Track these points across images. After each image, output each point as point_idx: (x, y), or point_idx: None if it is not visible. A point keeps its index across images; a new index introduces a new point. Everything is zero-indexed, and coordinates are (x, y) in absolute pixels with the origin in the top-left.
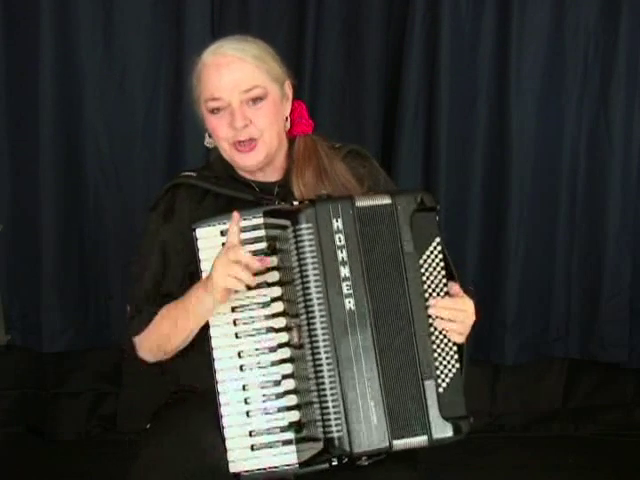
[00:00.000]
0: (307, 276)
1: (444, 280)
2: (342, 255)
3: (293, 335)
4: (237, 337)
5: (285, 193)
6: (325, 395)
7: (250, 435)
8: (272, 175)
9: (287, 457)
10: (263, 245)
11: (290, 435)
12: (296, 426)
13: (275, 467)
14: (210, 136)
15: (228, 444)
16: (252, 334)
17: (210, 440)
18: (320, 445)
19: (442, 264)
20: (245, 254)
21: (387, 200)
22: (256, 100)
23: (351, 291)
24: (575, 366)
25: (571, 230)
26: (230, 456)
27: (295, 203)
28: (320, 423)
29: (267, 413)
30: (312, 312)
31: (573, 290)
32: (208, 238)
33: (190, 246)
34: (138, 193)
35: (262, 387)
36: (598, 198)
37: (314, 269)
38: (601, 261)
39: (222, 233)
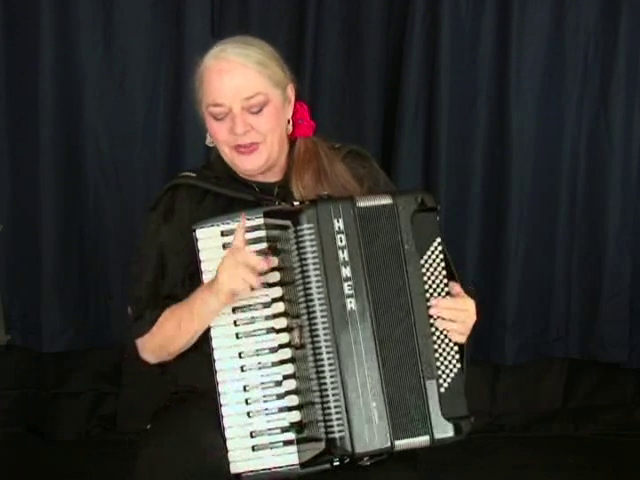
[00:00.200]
0: (308, 276)
1: (445, 280)
2: (343, 255)
3: (294, 335)
4: (238, 337)
5: (285, 193)
6: (327, 395)
7: (251, 436)
8: (272, 176)
9: (288, 458)
10: (264, 246)
11: (291, 435)
12: (297, 426)
13: (276, 468)
14: (211, 135)
15: (229, 445)
16: (253, 335)
17: (210, 440)
18: (322, 445)
19: (443, 264)
20: (251, 255)
21: (388, 200)
22: (257, 107)
23: (352, 291)
24: (575, 366)
25: (571, 230)
26: (231, 457)
27: (296, 203)
28: (322, 423)
29: (268, 414)
30: (313, 312)
31: (573, 290)
32: (208, 239)
33: (190, 246)
34: (138, 193)
35: (263, 388)
36: (598, 198)
37: (315, 269)
38: (601, 261)
39: (222, 233)
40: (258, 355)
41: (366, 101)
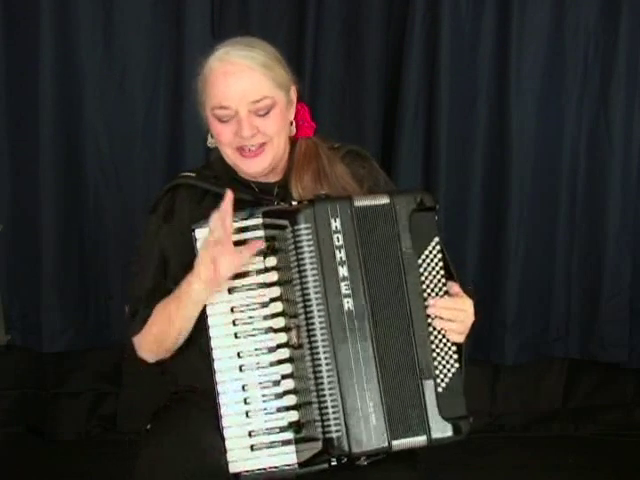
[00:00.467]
0: (306, 276)
1: (443, 280)
2: (340, 255)
3: (292, 335)
4: (236, 337)
5: (285, 193)
6: (324, 395)
7: (250, 435)
8: (272, 176)
9: (286, 457)
10: (262, 245)
11: (289, 435)
12: (295, 426)
13: (274, 467)
14: (212, 137)
15: (228, 444)
16: (251, 334)
17: (210, 440)
18: (319, 445)
19: (441, 264)
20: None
21: (386, 200)
22: (264, 110)
23: (350, 291)
24: (575, 366)
25: (571, 230)
26: (230, 456)
27: (294, 203)
28: (319, 423)
29: (267, 413)
30: (311, 312)
31: (573, 290)
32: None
33: (190, 246)
34: (138, 193)
35: (261, 387)
36: (598, 198)
37: (313, 269)
38: (601, 261)
39: None
40: (256, 355)
41: (366, 101)
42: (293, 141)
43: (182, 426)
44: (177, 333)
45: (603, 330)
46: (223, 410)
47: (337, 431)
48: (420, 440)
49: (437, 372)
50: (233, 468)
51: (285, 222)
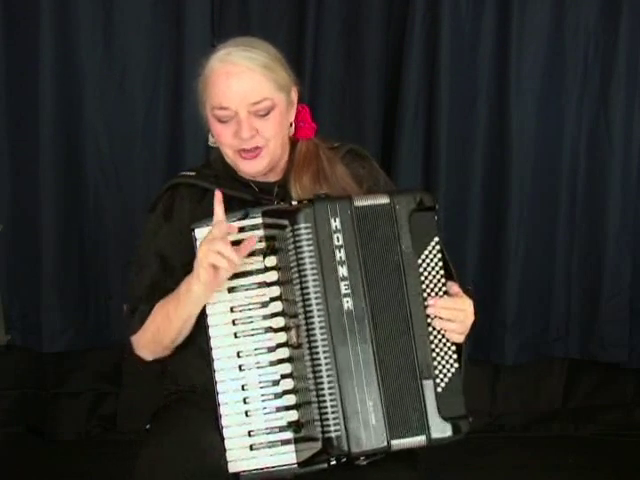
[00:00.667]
0: (305, 276)
1: (443, 280)
2: (340, 255)
3: (292, 335)
4: (236, 337)
5: (284, 193)
6: (323, 395)
7: (249, 435)
8: (272, 176)
9: (286, 457)
10: (262, 245)
11: (289, 435)
12: (295, 426)
13: (274, 467)
14: (213, 136)
15: (227, 444)
16: (251, 334)
17: (210, 440)
18: (319, 445)
19: (441, 264)
20: (226, 226)
21: (385, 200)
22: (264, 111)
23: (349, 291)
24: (575, 366)
25: (571, 230)
26: (229, 456)
27: (294, 203)
28: (318, 423)
29: (266, 413)
30: (310, 312)
31: (573, 290)
32: None
33: (190, 245)
34: (138, 193)
35: (261, 387)
36: (598, 198)
37: (312, 269)
38: (601, 261)
39: None
40: (256, 354)
41: (366, 101)
42: (294, 141)
43: (182, 426)
44: (176, 332)
45: (603, 330)
46: (223, 409)
47: (336, 431)
48: (419, 440)
49: (437, 372)
50: (232, 467)
51: (285, 222)
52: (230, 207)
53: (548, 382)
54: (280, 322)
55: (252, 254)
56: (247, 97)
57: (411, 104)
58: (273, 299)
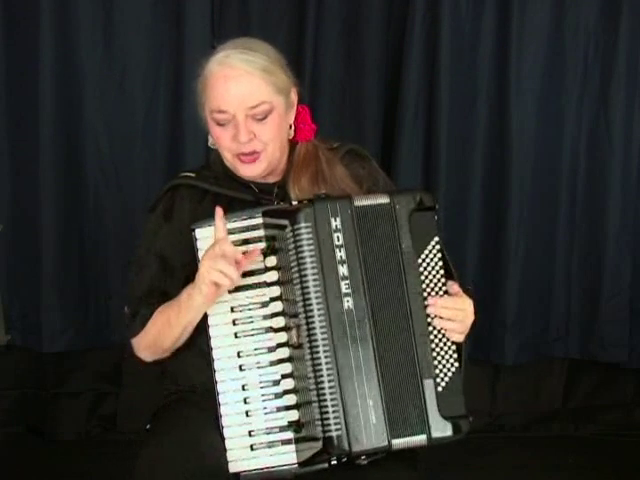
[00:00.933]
0: (306, 275)
1: (443, 279)
2: (340, 254)
3: (292, 335)
4: (236, 337)
5: (284, 194)
6: (324, 394)
7: (250, 435)
8: (272, 177)
9: (286, 457)
10: (262, 245)
11: (289, 435)
12: (295, 425)
13: (274, 467)
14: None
15: (228, 444)
16: (251, 334)
17: (210, 440)
18: (319, 445)
19: (441, 263)
20: (229, 246)
21: (385, 199)
22: (262, 115)
23: (349, 290)
24: (575, 366)
25: (571, 230)
26: (230, 456)
27: (294, 203)
28: (319, 422)
29: (266, 413)
30: (311, 311)
31: (573, 290)
32: (208, 238)
33: (190, 246)
34: (138, 193)
35: (261, 387)
36: (598, 198)
37: (313, 268)
38: (601, 261)
39: None
40: (256, 354)
41: (366, 101)
42: (293, 142)
43: (182, 426)
44: (176, 337)
45: (603, 330)
46: (223, 409)
47: (337, 430)
48: (420, 439)
49: (437, 371)
50: (233, 467)
51: (285, 222)
52: (230, 208)
53: (548, 382)
54: (280, 322)
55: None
56: (245, 101)
57: (411, 104)
58: (273, 299)
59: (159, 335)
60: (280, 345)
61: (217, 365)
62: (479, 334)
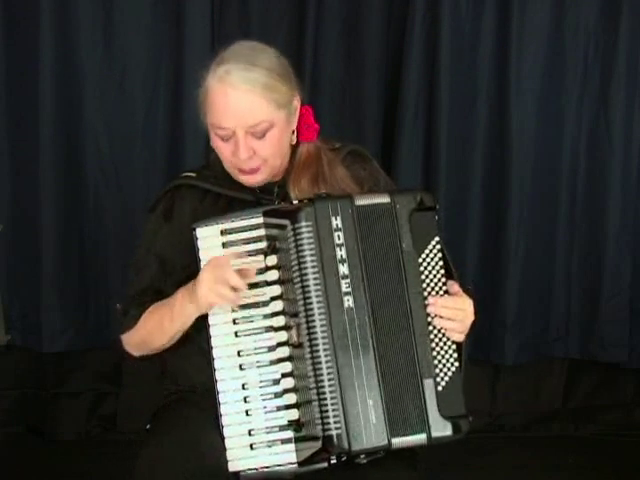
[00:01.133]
0: (306, 274)
1: (443, 279)
2: (341, 253)
3: (292, 334)
4: (236, 336)
5: (285, 193)
6: (324, 393)
7: (249, 434)
8: (273, 177)
9: (286, 456)
10: (263, 245)
11: (289, 434)
12: (295, 425)
13: (274, 466)
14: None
15: (227, 443)
16: (251, 333)
17: (210, 440)
18: (319, 444)
19: (441, 263)
20: (231, 273)
21: (386, 199)
22: (261, 133)
23: (350, 289)
24: (575, 366)
25: (571, 230)
26: (229, 455)
27: (295, 202)
28: (319, 421)
29: (266, 412)
30: (311, 311)
31: (573, 290)
32: (208, 237)
33: (190, 246)
34: (138, 193)
35: (261, 386)
36: (598, 198)
37: (313, 267)
38: (601, 261)
39: (222, 232)
40: (256, 353)
41: (366, 101)
42: (296, 144)
43: (182, 426)
44: (167, 340)
45: (603, 330)
46: (223, 409)
47: (337, 429)
48: (420, 438)
49: (437, 371)
50: (233, 467)
51: (286, 222)
52: (231, 208)
53: (548, 382)
54: (280, 321)
55: (253, 254)
56: (245, 119)
57: (411, 104)
58: (274, 298)
59: (149, 335)
60: (280, 344)
61: (217, 364)
62: (479, 334)
